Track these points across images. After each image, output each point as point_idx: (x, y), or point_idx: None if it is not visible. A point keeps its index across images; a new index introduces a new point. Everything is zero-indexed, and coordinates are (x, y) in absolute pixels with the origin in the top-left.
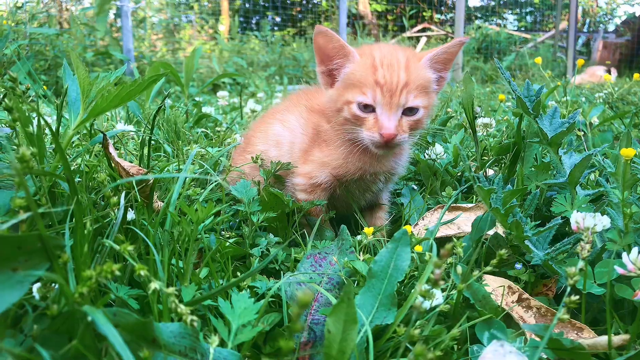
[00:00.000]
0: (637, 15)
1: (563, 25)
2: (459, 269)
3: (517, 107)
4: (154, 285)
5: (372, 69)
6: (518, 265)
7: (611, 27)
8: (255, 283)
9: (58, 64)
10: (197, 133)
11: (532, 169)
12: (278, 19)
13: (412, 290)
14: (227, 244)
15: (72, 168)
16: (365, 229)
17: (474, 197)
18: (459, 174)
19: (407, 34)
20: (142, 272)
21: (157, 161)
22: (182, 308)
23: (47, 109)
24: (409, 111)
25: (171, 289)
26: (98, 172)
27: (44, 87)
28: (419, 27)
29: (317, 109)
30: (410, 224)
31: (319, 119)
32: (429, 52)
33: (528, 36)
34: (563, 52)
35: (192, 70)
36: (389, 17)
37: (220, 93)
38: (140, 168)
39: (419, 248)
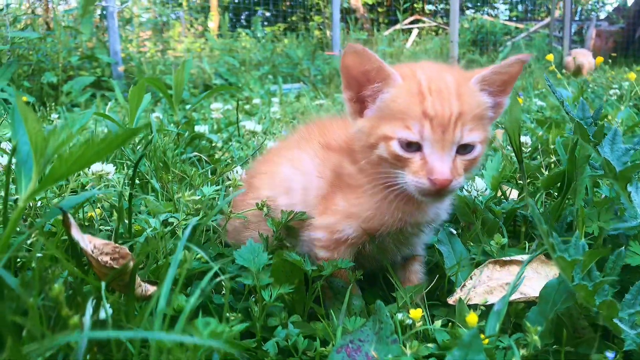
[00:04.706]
0: (628, 2)
1: (556, 14)
2: None
3: (573, 133)
4: None
5: (419, 96)
6: (610, 354)
7: (603, 15)
8: None
9: (42, 68)
10: (189, 159)
11: (590, 204)
12: (268, 14)
13: None
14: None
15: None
16: (412, 312)
17: (526, 244)
18: (503, 213)
19: (399, 26)
20: None
21: (143, 207)
22: None
23: None
24: (463, 148)
25: None
26: (53, 284)
27: (24, 97)
28: (411, 18)
29: (335, 146)
30: (452, 281)
31: (340, 159)
32: (480, 72)
33: (521, 26)
34: (557, 42)
35: (182, 85)
36: (380, 10)
37: (214, 105)
38: (116, 246)
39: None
